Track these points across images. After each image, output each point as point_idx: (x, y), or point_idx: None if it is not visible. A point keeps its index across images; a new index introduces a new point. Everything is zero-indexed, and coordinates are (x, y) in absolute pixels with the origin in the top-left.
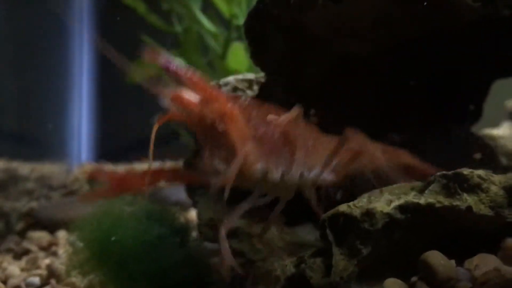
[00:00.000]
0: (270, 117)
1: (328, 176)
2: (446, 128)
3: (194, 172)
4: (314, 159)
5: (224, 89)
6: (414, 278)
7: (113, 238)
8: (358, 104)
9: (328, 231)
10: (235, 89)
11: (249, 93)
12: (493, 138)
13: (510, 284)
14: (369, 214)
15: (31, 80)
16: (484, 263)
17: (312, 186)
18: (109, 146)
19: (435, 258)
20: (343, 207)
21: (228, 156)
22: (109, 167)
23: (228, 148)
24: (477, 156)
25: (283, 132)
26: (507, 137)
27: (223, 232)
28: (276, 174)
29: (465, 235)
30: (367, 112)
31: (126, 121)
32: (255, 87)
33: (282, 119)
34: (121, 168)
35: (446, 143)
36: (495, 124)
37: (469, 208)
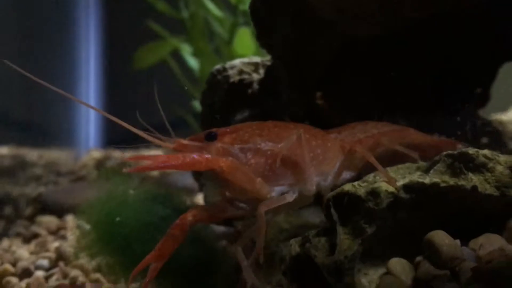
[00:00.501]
0: (271, 147)
1: (346, 176)
2: (454, 112)
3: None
4: (327, 164)
5: (230, 72)
6: (418, 258)
7: (117, 219)
8: (365, 87)
9: (332, 211)
10: (240, 72)
11: (255, 76)
12: (501, 123)
13: None
14: (373, 193)
15: (38, 66)
16: (489, 243)
17: (328, 189)
18: (117, 133)
19: (440, 237)
20: (347, 187)
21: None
22: (116, 153)
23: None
24: (484, 140)
25: (289, 153)
26: None
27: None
28: (290, 197)
29: (470, 215)
30: (374, 95)
31: (134, 108)
32: (261, 71)
33: (283, 146)
34: (129, 155)
35: (453, 128)
36: (504, 109)
37: (474, 187)
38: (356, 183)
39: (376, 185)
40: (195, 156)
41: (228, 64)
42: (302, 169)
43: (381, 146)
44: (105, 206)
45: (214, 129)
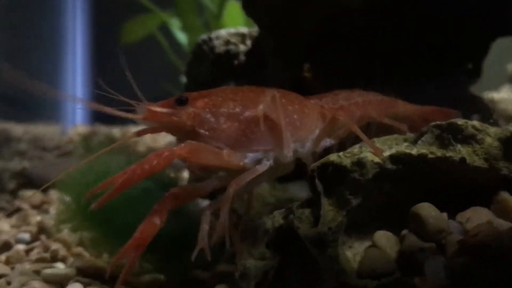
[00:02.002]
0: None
1: (326, 143)
2: (444, 88)
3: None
4: (305, 130)
5: (216, 42)
6: (404, 231)
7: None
8: (354, 59)
9: (317, 181)
10: (227, 42)
11: (242, 47)
12: (493, 101)
13: (502, 236)
14: (359, 164)
15: (24, 40)
16: (477, 216)
17: (309, 156)
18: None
19: (426, 210)
20: (333, 157)
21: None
22: (103, 129)
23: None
24: (475, 117)
25: (265, 119)
26: (507, 100)
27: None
28: (263, 167)
29: (458, 189)
30: (362, 68)
31: (120, 83)
32: (248, 42)
33: (260, 109)
34: (116, 131)
35: (444, 103)
36: (496, 88)
37: (462, 159)
38: (341, 153)
39: (362, 155)
40: (150, 161)
41: (214, 34)
42: (277, 133)
43: (369, 119)
44: (86, 178)
45: (185, 94)
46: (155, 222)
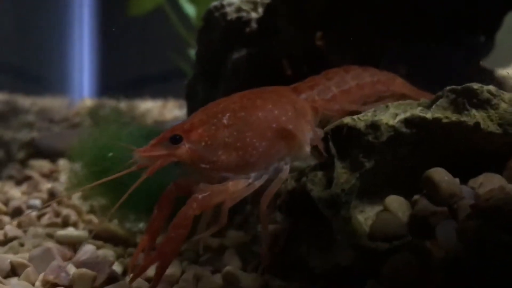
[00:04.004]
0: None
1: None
2: (457, 60)
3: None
4: (304, 124)
5: (228, 9)
6: (416, 196)
7: (110, 154)
8: (366, 26)
9: (330, 144)
10: (238, 9)
11: (254, 15)
12: (504, 77)
13: None
14: (373, 126)
15: (32, 13)
16: (489, 181)
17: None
18: (110, 82)
19: (439, 174)
20: (347, 119)
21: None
22: (110, 102)
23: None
24: None
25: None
26: None
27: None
28: (285, 174)
29: (471, 155)
30: (375, 35)
31: (128, 57)
32: (260, 10)
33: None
34: (123, 105)
35: (456, 75)
36: (507, 65)
37: (477, 124)
38: (355, 116)
39: (376, 118)
40: (175, 230)
41: (226, 0)
42: (291, 138)
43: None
44: (98, 142)
45: (178, 128)
46: (164, 212)
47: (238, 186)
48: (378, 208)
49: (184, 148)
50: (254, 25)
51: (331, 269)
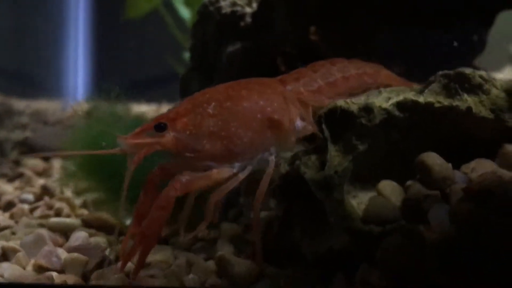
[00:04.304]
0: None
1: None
2: (449, 58)
3: None
4: (290, 115)
5: (223, 3)
6: (409, 182)
7: (103, 144)
8: (360, 23)
9: (324, 127)
10: (233, 4)
11: (248, 10)
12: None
13: (506, 184)
14: (367, 109)
15: (27, 16)
16: (481, 167)
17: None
18: (105, 85)
19: (432, 158)
20: (340, 102)
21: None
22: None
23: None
24: None
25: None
26: None
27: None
28: (272, 162)
29: (463, 141)
30: (368, 31)
31: (123, 59)
32: (254, 5)
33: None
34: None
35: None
36: (498, 69)
37: (469, 109)
38: (348, 100)
39: (369, 101)
40: (157, 213)
41: None
42: (278, 127)
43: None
44: (92, 131)
45: (163, 116)
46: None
47: (222, 174)
48: (370, 194)
49: (169, 137)
50: (248, 19)
51: (324, 253)
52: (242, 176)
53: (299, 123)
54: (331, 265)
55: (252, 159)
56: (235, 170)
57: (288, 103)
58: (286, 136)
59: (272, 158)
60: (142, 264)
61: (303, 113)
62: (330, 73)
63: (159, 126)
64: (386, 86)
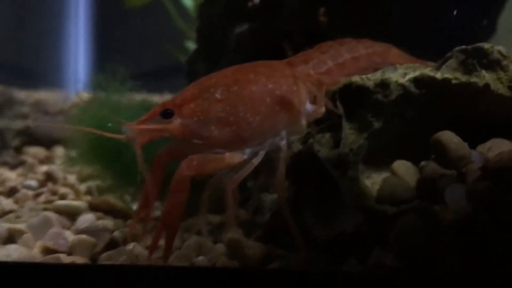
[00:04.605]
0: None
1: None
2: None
3: None
4: (299, 97)
5: None
6: (423, 163)
7: (109, 125)
8: (365, 4)
9: (338, 104)
10: None
11: None
12: None
13: None
14: (383, 84)
15: (27, 8)
16: (498, 146)
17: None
18: (106, 76)
19: (448, 136)
20: (355, 78)
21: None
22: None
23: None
24: None
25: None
26: None
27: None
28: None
29: (479, 121)
30: (373, 15)
31: (125, 51)
32: None
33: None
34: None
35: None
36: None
37: (486, 85)
38: (363, 76)
39: (385, 76)
40: (174, 197)
41: None
42: (290, 109)
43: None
44: (98, 111)
45: (169, 102)
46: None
47: (234, 159)
48: (384, 174)
49: (175, 123)
50: (256, 0)
51: (336, 237)
52: (256, 161)
53: (309, 106)
54: (342, 248)
55: (262, 145)
56: (246, 157)
57: (298, 85)
58: (297, 119)
59: (284, 143)
60: (170, 251)
61: (316, 94)
62: (339, 54)
63: (166, 112)
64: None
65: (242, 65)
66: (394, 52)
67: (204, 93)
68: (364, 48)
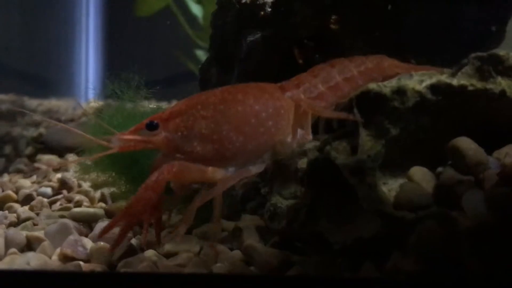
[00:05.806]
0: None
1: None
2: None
3: None
4: (286, 122)
5: None
6: (440, 169)
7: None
8: (375, 11)
9: (355, 111)
10: None
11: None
12: None
13: None
14: (400, 91)
15: (37, 17)
16: None
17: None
18: (116, 84)
19: (465, 142)
20: (372, 85)
21: None
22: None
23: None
24: None
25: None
26: None
27: None
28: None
29: (495, 128)
30: (383, 21)
31: (134, 59)
32: None
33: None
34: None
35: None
36: None
37: (502, 92)
38: (380, 83)
39: (402, 83)
40: (144, 191)
41: None
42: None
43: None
44: (111, 120)
45: (156, 116)
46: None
47: (216, 174)
48: (401, 181)
49: (160, 136)
50: (268, 8)
51: (352, 243)
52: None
53: (299, 131)
54: (359, 254)
55: (244, 165)
56: (228, 174)
57: (286, 109)
58: (282, 142)
59: (262, 166)
60: (122, 240)
61: (303, 121)
62: (331, 76)
63: (151, 124)
64: (395, 75)
65: (234, 85)
66: (388, 63)
67: (191, 109)
68: (355, 67)
